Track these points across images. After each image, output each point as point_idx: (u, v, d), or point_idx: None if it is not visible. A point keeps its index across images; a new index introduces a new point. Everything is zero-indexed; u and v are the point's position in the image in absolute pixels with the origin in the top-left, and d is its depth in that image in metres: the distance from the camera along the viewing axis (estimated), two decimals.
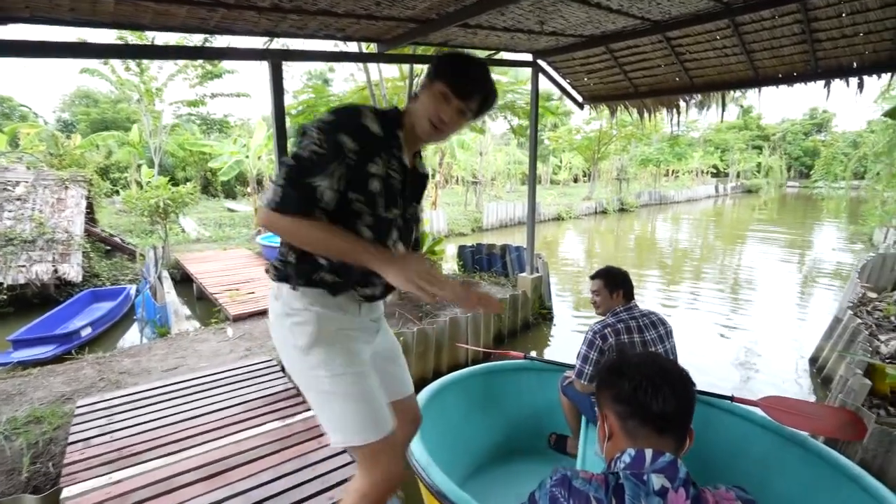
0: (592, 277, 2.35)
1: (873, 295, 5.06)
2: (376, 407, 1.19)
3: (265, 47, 3.31)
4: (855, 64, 3.58)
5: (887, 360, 3.39)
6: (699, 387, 1.02)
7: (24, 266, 6.50)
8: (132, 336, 5.77)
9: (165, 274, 7.18)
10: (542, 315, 5.71)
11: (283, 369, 3.32)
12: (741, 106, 35.29)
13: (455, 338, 4.30)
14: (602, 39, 4.07)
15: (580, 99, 5.35)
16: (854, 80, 3.64)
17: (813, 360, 4.58)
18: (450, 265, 7.28)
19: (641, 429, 0.85)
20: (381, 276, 1.11)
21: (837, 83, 3.72)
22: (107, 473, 2.18)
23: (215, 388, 3.12)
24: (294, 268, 1.17)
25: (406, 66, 5.93)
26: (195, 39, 9.62)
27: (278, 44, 4.50)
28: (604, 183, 25.93)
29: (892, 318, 4.37)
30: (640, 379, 0.87)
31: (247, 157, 13.09)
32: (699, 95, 4.58)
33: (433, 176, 17.48)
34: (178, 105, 13.86)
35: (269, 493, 2.07)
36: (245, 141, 13.50)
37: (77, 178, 8.07)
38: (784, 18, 3.40)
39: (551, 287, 6.02)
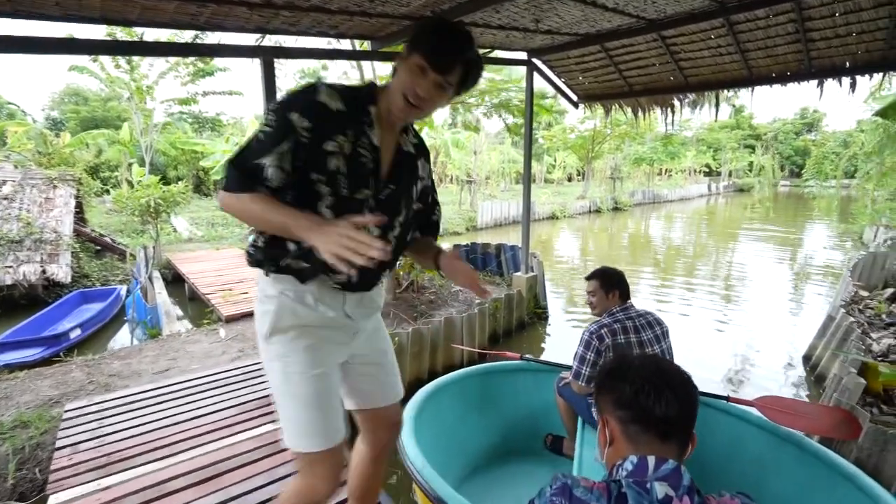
0: (588, 278, 2.33)
1: (865, 293, 5.11)
2: (327, 416, 1.16)
3: (257, 44, 3.26)
4: (848, 63, 3.60)
5: (879, 359, 3.42)
6: None
7: (11, 266, 6.39)
8: (122, 338, 5.69)
9: (157, 274, 7.09)
10: (538, 314, 5.71)
11: None
12: (733, 105, 35.62)
13: (450, 338, 4.28)
14: (597, 38, 4.06)
15: (575, 98, 5.35)
16: (847, 80, 3.67)
17: (806, 359, 4.61)
18: None
19: (644, 434, 0.82)
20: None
21: (830, 83, 3.75)
22: (95, 479, 2.13)
23: (207, 390, 3.08)
24: (263, 252, 1.15)
25: None
26: (186, 36, 9.50)
27: (270, 41, 4.44)
28: (598, 182, 26.01)
29: (884, 316, 4.41)
30: (642, 382, 0.84)
31: None
32: (693, 94, 4.59)
33: None
34: (170, 103, 13.70)
35: (262, 497, 2.03)
36: (238, 139, 13.38)
37: (66, 177, 7.94)
38: (778, 18, 3.41)
39: (546, 286, 6.02)
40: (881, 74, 3.61)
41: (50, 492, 2.06)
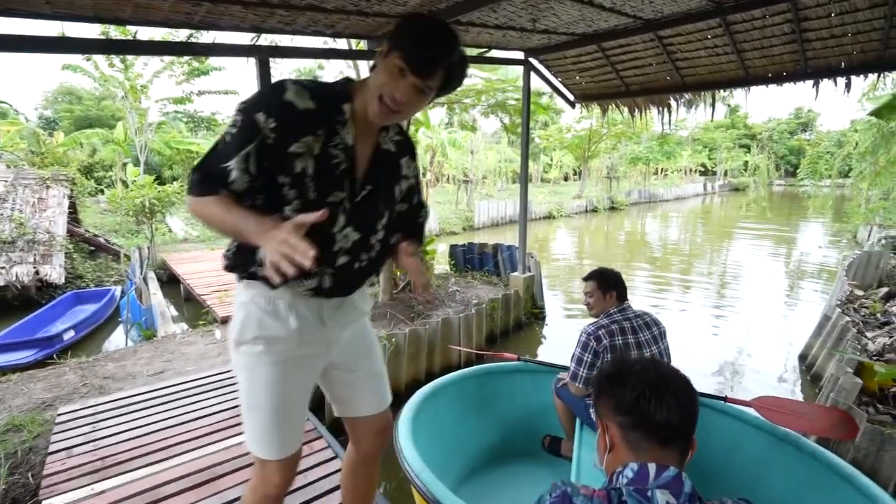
0: (585, 279, 2.33)
1: (860, 292, 5.14)
2: (283, 432, 1.17)
3: (253, 43, 3.23)
4: (843, 64, 3.62)
5: (875, 358, 3.43)
6: None
7: (3, 268, 6.32)
8: (117, 339, 5.64)
9: (151, 275, 7.04)
10: (535, 314, 5.71)
11: None
12: (728, 105, 35.77)
13: (447, 339, 4.27)
14: (594, 38, 4.06)
15: (572, 97, 5.35)
16: (842, 80, 3.68)
17: (802, 358, 4.63)
18: (442, 265, 7.24)
19: (644, 441, 0.81)
20: (325, 265, 1.09)
21: (826, 83, 3.76)
22: (89, 484, 2.11)
23: (203, 392, 3.05)
24: (234, 258, 1.14)
25: None
26: (181, 35, 9.43)
27: (266, 40, 4.41)
28: (594, 181, 26.08)
29: (878, 316, 4.43)
30: (643, 388, 0.83)
31: None
32: (689, 94, 4.60)
33: (424, 174, 17.42)
34: (165, 102, 13.61)
35: None
36: None
37: (59, 177, 7.88)
38: (775, 18, 3.42)
39: (543, 286, 6.02)
40: (876, 75, 3.63)
41: (43, 497, 2.03)
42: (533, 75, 4.92)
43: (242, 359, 1.15)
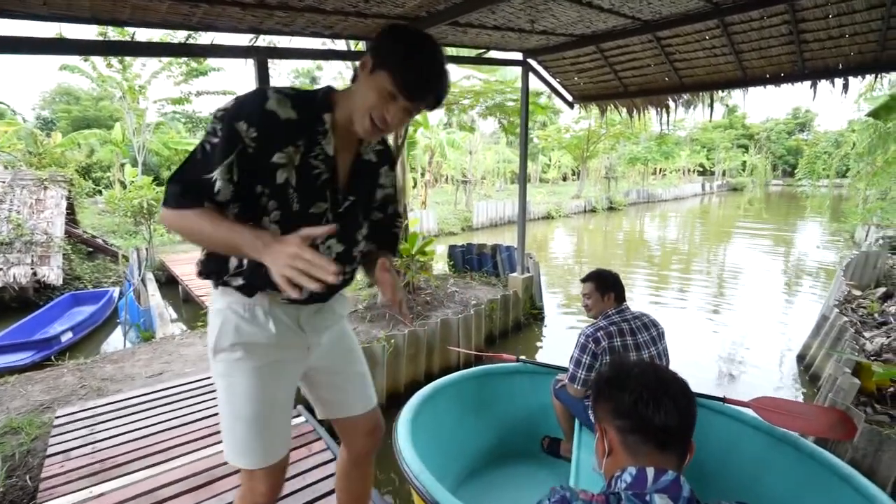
0: (584, 280, 2.33)
1: (858, 293, 5.15)
2: (266, 438, 1.15)
3: (251, 45, 3.23)
4: (841, 65, 3.62)
5: (872, 358, 3.44)
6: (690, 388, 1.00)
7: (1, 269, 6.30)
8: (115, 341, 5.63)
9: (150, 276, 7.02)
10: (534, 315, 5.71)
11: None
12: (727, 105, 35.86)
13: (446, 340, 4.27)
14: (592, 39, 4.06)
15: (570, 98, 5.35)
16: (839, 81, 3.69)
17: (800, 358, 4.64)
18: (441, 265, 7.24)
19: (643, 445, 0.81)
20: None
21: (823, 84, 3.76)
22: (87, 487, 2.10)
23: (202, 394, 3.04)
24: (206, 265, 1.11)
25: None
26: (179, 36, 9.42)
27: (264, 41, 4.41)
28: (592, 181, 26.10)
29: (876, 316, 4.45)
30: (641, 391, 0.83)
31: None
32: (687, 95, 4.61)
33: (422, 175, 17.41)
34: (163, 103, 13.58)
35: None
36: None
37: (57, 178, 7.86)
38: (772, 19, 3.42)
39: (542, 287, 6.02)
40: (873, 76, 3.64)
41: (41, 500, 2.03)
42: (531, 76, 4.93)
43: (220, 366, 1.12)
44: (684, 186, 29.48)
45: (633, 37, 3.86)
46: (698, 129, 36.17)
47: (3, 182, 7.35)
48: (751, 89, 4.23)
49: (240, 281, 1.08)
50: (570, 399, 2.28)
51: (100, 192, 13.63)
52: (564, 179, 31.48)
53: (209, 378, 3.28)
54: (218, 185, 0.96)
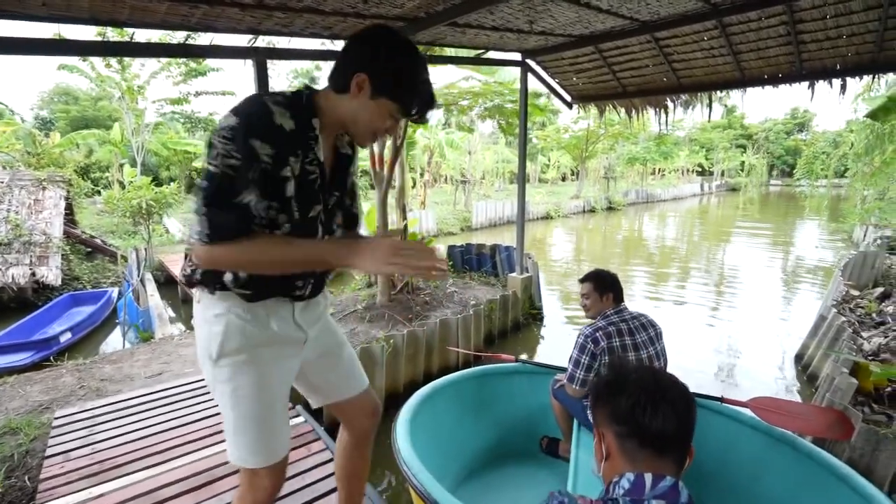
0: (582, 280, 2.33)
1: (855, 293, 5.16)
2: (273, 435, 1.18)
3: (250, 45, 3.23)
4: (838, 66, 3.64)
5: (870, 358, 3.45)
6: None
7: None
8: (114, 341, 5.63)
9: (149, 276, 7.02)
10: (533, 315, 5.72)
11: None
12: (725, 105, 35.94)
13: (445, 340, 4.27)
14: (591, 39, 4.07)
15: (569, 98, 5.36)
16: (837, 82, 3.70)
17: (798, 358, 4.66)
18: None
19: (640, 450, 0.81)
20: (306, 275, 1.13)
21: (821, 84, 3.78)
22: (87, 488, 2.10)
23: (202, 394, 3.04)
24: (202, 273, 1.10)
25: None
26: (178, 36, 9.41)
27: (263, 41, 4.41)
28: (591, 181, 26.14)
29: (874, 315, 4.46)
30: (638, 396, 0.82)
31: None
32: (686, 95, 4.62)
33: (421, 175, 17.42)
34: (162, 103, 13.58)
35: None
36: None
37: (55, 178, 7.85)
38: (770, 20, 3.43)
39: (541, 287, 6.03)
40: (870, 76, 3.66)
41: (40, 501, 2.02)
42: (530, 76, 4.93)
43: (225, 371, 1.11)
44: (683, 186, 29.52)
45: (632, 37, 3.86)
46: (697, 129, 36.26)
47: (2, 182, 7.34)
48: (749, 90, 4.25)
49: (247, 291, 1.09)
50: (569, 399, 2.28)
51: (98, 192, 13.61)
52: (563, 179, 31.51)
53: None
54: (255, 205, 0.96)
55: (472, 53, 4.71)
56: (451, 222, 14.15)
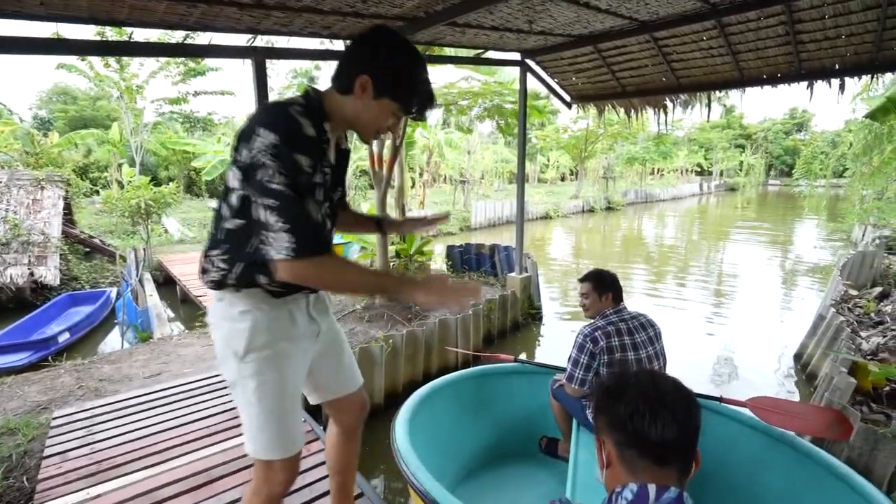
0: (582, 280, 2.33)
1: (854, 292, 5.17)
2: (291, 427, 1.23)
3: (249, 45, 3.22)
4: (837, 66, 3.64)
5: (869, 357, 3.46)
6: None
7: None
8: (113, 341, 5.61)
9: (147, 276, 7.01)
10: (532, 315, 5.72)
11: None
12: (724, 105, 36.01)
13: (444, 340, 4.27)
14: (590, 39, 4.07)
15: (568, 98, 5.36)
16: (836, 82, 3.70)
17: (797, 357, 4.66)
18: (439, 265, 7.24)
19: (640, 459, 0.78)
20: None
21: (820, 84, 3.78)
22: (85, 488, 2.10)
23: (200, 394, 3.04)
24: (238, 276, 1.13)
25: None
26: (177, 36, 9.40)
27: (262, 41, 4.40)
28: (591, 181, 26.15)
29: (872, 315, 4.47)
30: (637, 403, 0.79)
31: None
32: (685, 95, 4.62)
33: (420, 175, 17.42)
34: (160, 103, 13.58)
35: None
36: (230, 140, 13.25)
37: (54, 178, 7.83)
38: (769, 20, 3.43)
39: (540, 287, 6.03)
40: (869, 76, 3.66)
41: (38, 501, 2.02)
42: (529, 76, 4.93)
43: (251, 366, 1.14)
44: (682, 186, 29.55)
45: (631, 37, 3.86)
46: (696, 129, 36.28)
47: (0, 182, 7.32)
48: (748, 90, 4.25)
49: (280, 289, 1.15)
50: (568, 399, 2.28)
51: (97, 192, 13.58)
52: (563, 179, 31.53)
53: (207, 378, 3.28)
54: (319, 216, 1.05)
55: (471, 53, 4.71)
56: (450, 222, 14.14)
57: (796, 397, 4.03)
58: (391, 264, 5.15)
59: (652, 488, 0.75)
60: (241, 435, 2.53)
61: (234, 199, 1.06)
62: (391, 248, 5.47)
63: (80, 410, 2.80)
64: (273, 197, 0.96)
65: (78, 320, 5.40)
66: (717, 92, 4.53)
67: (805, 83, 3.80)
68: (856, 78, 3.70)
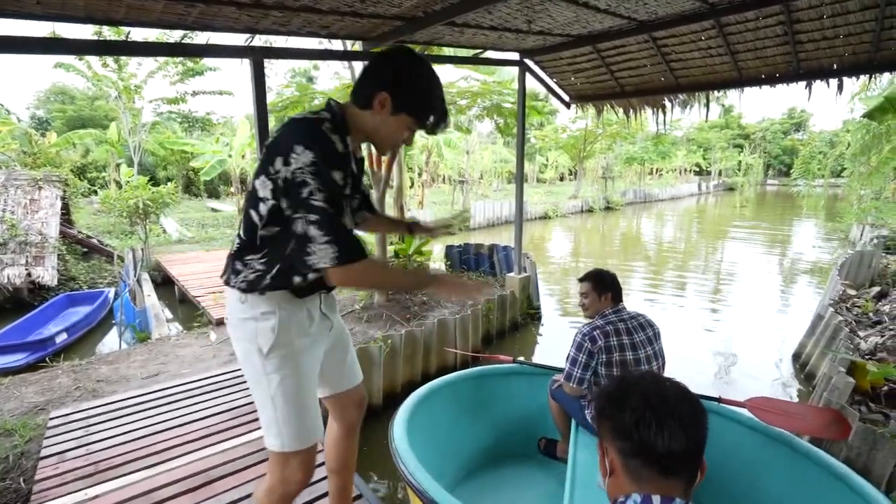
0: (581, 280, 2.33)
1: (852, 292, 5.18)
2: (312, 417, 1.28)
3: (247, 44, 3.21)
4: (835, 65, 3.64)
5: (867, 357, 3.46)
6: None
7: None
8: (110, 342, 5.60)
9: (146, 276, 7.00)
10: (531, 315, 5.72)
11: None
12: (723, 105, 36.07)
13: (443, 340, 4.26)
14: (589, 39, 4.07)
15: (567, 98, 5.36)
16: (834, 82, 3.71)
17: (796, 357, 4.67)
18: (438, 265, 7.24)
19: (644, 469, 0.75)
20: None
21: (818, 84, 3.78)
22: (82, 489, 2.09)
23: (198, 395, 3.04)
24: (272, 280, 1.19)
25: None
26: (175, 35, 9.38)
27: (260, 41, 4.39)
28: (589, 181, 26.17)
29: (871, 315, 4.48)
30: (643, 411, 0.76)
31: (230, 156, 12.87)
32: (683, 95, 4.62)
33: (419, 175, 17.43)
34: (159, 102, 13.54)
35: None
36: (228, 140, 13.24)
37: (51, 178, 7.81)
38: (768, 20, 3.44)
39: (539, 286, 6.03)
40: (867, 76, 3.66)
41: (35, 502, 2.01)
42: (528, 76, 4.93)
43: (275, 362, 1.21)
44: (681, 186, 29.57)
45: (630, 37, 3.86)
46: (694, 128, 36.34)
47: None
48: (746, 89, 4.25)
49: (304, 288, 1.22)
50: (567, 399, 2.28)
51: (95, 192, 13.57)
52: (561, 179, 31.55)
53: (205, 379, 3.27)
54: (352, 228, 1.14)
55: (470, 53, 4.70)
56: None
57: (795, 397, 4.04)
58: (390, 264, 5.15)
59: (657, 500, 0.73)
60: (238, 436, 2.55)
61: (263, 208, 1.12)
62: (389, 249, 5.47)
63: (78, 411, 2.80)
64: (316, 213, 1.05)
65: (76, 321, 5.38)
66: (716, 92, 4.53)
67: (803, 83, 3.80)
68: (854, 78, 3.70)
